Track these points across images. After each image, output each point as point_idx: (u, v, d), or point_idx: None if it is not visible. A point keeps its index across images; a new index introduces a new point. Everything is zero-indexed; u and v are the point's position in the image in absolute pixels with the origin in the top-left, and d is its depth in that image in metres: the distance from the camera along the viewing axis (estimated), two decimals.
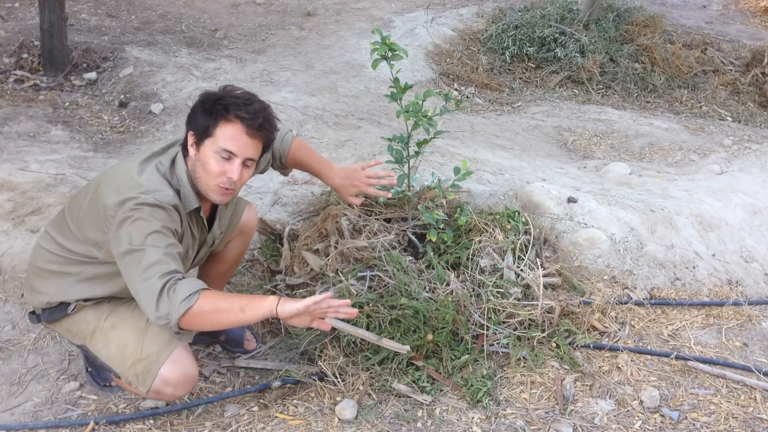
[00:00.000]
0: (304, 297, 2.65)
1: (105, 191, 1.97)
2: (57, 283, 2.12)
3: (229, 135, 1.93)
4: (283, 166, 2.48)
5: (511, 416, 2.36)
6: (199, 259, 2.37)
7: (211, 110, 1.94)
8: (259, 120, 1.95)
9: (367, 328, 2.50)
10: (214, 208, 2.24)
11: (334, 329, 2.53)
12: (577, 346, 2.67)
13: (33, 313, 2.24)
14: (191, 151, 2.00)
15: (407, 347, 2.46)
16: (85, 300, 2.13)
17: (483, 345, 2.59)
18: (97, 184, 2.05)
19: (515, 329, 2.65)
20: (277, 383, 2.45)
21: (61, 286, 2.12)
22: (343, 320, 2.50)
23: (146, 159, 2.04)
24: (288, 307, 1.88)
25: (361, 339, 2.50)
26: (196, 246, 2.20)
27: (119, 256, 1.88)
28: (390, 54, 2.69)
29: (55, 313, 2.15)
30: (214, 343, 2.70)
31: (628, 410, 2.41)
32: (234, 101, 1.95)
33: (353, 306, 2.52)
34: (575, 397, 2.45)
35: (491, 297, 2.68)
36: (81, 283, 2.10)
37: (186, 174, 2.02)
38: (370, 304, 2.52)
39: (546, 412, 2.38)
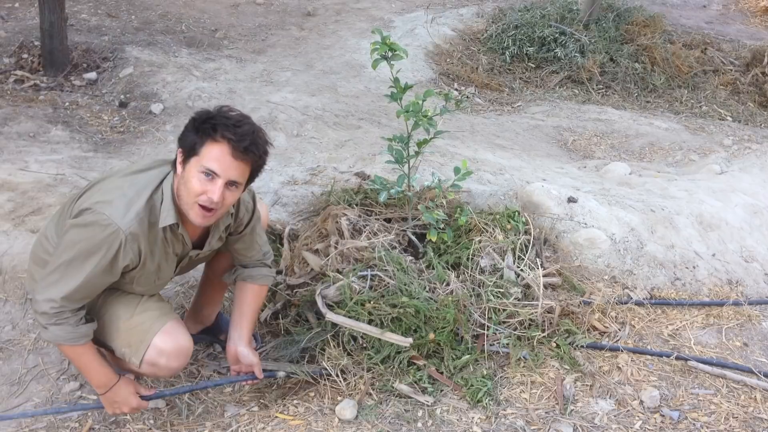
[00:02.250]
0: (304, 296, 2.68)
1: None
2: None
3: (214, 155, 1.90)
4: (230, 273, 2.43)
5: (511, 416, 2.36)
6: (187, 268, 2.36)
7: (199, 129, 1.92)
8: (245, 143, 1.91)
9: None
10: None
11: (335, 324, 2.53)
12: (577, 346, 2.67)
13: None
14: (179, 168, 1.98)
15: (409, 340, 2.46)
16: None
17: (483, 345, 2.59)
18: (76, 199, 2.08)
19: (515, 329, 2.65)
20: (282, 373, 2.45)
21: None
22: (346, 316, 2.50)
23: (134, 174, 2.05)
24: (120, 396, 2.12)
25: (363, 335, 2.50)
26: (174, 260, 2.16)
27: (57, 251, 1.98)
28: (390, 54, 2.69)
29: None
30: (214, 343, 2.70)
31: (628, 410, 2.41)
32: (223, 121, 1.92)
33: (356, 303, 2.52)
34: (575, 397, 2.45)
35: (491, 297, 2.68)
36: None
37: (171, 188, 2.01)
38: (372, 302, 2.52)
39: (546, 412, 2.38)
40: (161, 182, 2.02)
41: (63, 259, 1.94)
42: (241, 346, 2.32)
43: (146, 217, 1.96)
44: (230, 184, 1.94)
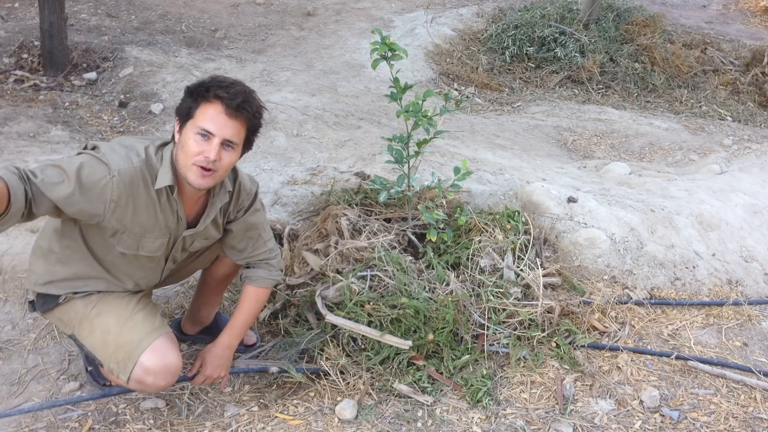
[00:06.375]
0: (304, 296, 2.68)
1: None
2: (43, 263, 2.15)
3: (209, 115, 1.95)
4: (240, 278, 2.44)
5: (511, 416, 2.36)
6: (184, 270, 2.36)
7: (194, 93, 1.98)
8: (238, 100, 1.95)
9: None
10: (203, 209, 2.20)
11: (335, 326, 2.53)
12: (577, 345, 2.67)
13: (31, 302, 2.25)
14: (176, 137, 2.03)
15: (409, 342, 2.46)
16: (75, 293, 2.15)
17: (483, 345, 2.59)
18: None
19: (515, 329, 2.65)
20: (275, 369, 2.46)
21: (46, 265, 2.14)
22: (345, 318, 2.50)
23: (138, 138, 2.11)
24: None
25: (363, 337, 2.51)
26: (165, 234, 2.13)
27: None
28: (390, 54, 2.69)
29: (48, 302, 2.18)
30: None
31: (628, 410, 2.41)
32: (216, 84, 1.97)
33: (355, 304, 2.52)
34: (575, 397, 2.45)
35: (491, 297, 2.68)
36: (60, 262, 2.12)
37: (170, 154, 2.05)
38: (371, 303, 2.52)
39: (546, 412, 2.38)
40: (162, 146, 2.07)
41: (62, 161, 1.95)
42: (210, 351, 2.31)
43: (141, 171, 1.99)
44: (226, 144, 1.97)
